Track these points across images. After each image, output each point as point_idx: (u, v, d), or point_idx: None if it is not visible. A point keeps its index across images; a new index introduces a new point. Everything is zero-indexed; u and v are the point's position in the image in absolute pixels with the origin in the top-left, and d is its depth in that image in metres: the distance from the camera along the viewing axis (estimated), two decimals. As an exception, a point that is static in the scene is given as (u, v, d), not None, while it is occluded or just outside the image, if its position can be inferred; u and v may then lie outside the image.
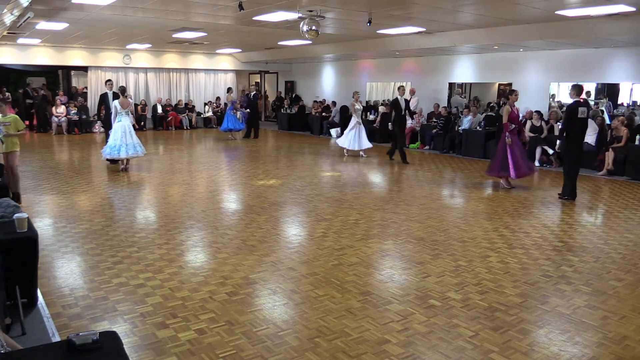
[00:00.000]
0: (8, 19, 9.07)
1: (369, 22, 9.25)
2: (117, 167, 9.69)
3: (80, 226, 5.81)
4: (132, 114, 9.99)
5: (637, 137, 9.77)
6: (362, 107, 12.42)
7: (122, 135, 9.19)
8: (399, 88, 11.28)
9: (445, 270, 4.61)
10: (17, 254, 3.43)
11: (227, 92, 16.35)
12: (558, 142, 8.38)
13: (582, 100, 7.49)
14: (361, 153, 12.11)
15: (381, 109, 15.20)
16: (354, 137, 11.89)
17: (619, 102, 12.21)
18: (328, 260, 4.84)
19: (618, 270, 4.69)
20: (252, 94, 15.84)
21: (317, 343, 3.26)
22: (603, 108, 11.98)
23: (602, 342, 3.34)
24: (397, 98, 11.12)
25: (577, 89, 7.54)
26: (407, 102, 11.52)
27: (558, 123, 11.38)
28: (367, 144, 11.98)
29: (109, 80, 10.38)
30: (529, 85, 12.62)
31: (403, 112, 11.15)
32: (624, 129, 9.93)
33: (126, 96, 9.62)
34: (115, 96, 9.72)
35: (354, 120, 11.94)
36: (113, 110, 9.41)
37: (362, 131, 11.95)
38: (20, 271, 3.47)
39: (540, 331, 3.49)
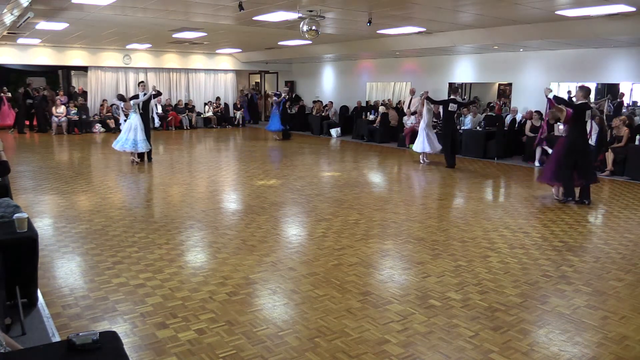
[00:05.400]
0: (8, 19, 9.06)
1: (369, 22, 9.25)
2: (138, 160, 10.30)
3: (80, 226, 5.81)
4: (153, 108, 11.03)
5: (637, 137, 9.77)
6: (432, 107, 10.83)
7: (127, 131, 10.07)
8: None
9: (445, 270, 4.61)
10: (17, 254, 3.42)
11: (277, 95, 15.83)
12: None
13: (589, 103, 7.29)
14: (421, 158, 11.14)
15: (381, 109, 15.20)
16: (424, 141, 10.84)
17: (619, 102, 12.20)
18: (328, 260, 4.84)
19: (618, 270, 4.69)
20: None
21: (317, 343, 3.26)
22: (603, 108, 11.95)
23: (602, 342, 3.34)
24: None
25: (586, 92, 7.31)
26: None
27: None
28: (431, 148, 10.81)
29: (142, 82, 10.84)
30: (529, 85, 12.62)
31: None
32: (625, 128, 9.93)
33: (128, 101, 10.40)
34: (130, 97, 10.57)
35: (422, 122, 10.93)
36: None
37: (430, 134, 10.86)
38: (20, 271, 3.47)
39: (540, 331, 3.49)
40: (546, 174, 7.73)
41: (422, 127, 10.87)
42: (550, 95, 7.52)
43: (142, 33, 12.88)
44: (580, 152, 7.28)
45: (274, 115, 15.41)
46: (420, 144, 10.88)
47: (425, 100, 10.65)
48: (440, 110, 10.86)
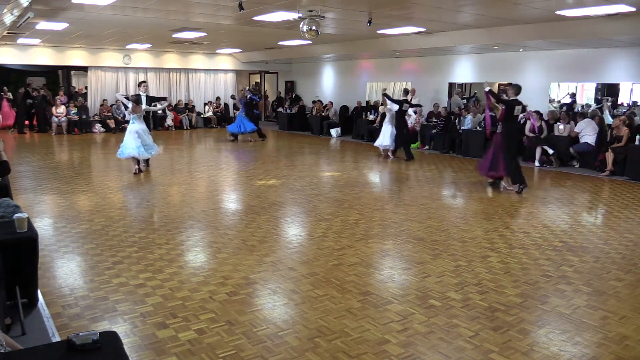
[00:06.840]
0: (8, 19, 9.06)
1: (369, 22, 9.25)
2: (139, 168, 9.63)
3: (80, 226, 5.81)
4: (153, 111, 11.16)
5: (637, 137, 9.77)
6: (399, 101, 11.50)
7: (133, 138, 9.27)
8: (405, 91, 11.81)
9: (445, 270, 4.61)
10: (17, 254, 3.42)
11: (233, 97, 16.09)
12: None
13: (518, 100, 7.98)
14: (388, 153, 11.90)
15: (381, 109, 15.19)
16: (382, 135, 11.89)
17: (619, 102, 12.20)
18: (328, 260, 4.84)
19: (618, 270, 4.69)
20: (248, 95, 15.68)
21: (317, 343, 3.26)
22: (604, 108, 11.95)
23: (602, 342, 3.34)
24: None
25: (517, 89, 7.97)
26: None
27: (558, 123, 11.39)
28: (385, 143, 11.73)
29: (143, 81, 10.59)
30: (528, 85, 12.59)
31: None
32: (625, 128, 9.93)
33: (139, 104, 9.73)
34: (138, 100, 9.85)
35: (386, 117, 11.84)
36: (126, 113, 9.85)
37: (388, 130, 11.71)
38: (20, 271, 3.47)
39: (540, 331, 3.49)
40: (484, 167, 8.40)
41: (385, 122, 11.88)
42: (487, 89, 8.20)
43: (142, 33, 12.88)
44: (514, 143, 7.97)
45: (239, 116, 15.07)
46: (380, 139, 11.88)
47: (384, 97, 11.80)
48: (395, 107, 11.59)
